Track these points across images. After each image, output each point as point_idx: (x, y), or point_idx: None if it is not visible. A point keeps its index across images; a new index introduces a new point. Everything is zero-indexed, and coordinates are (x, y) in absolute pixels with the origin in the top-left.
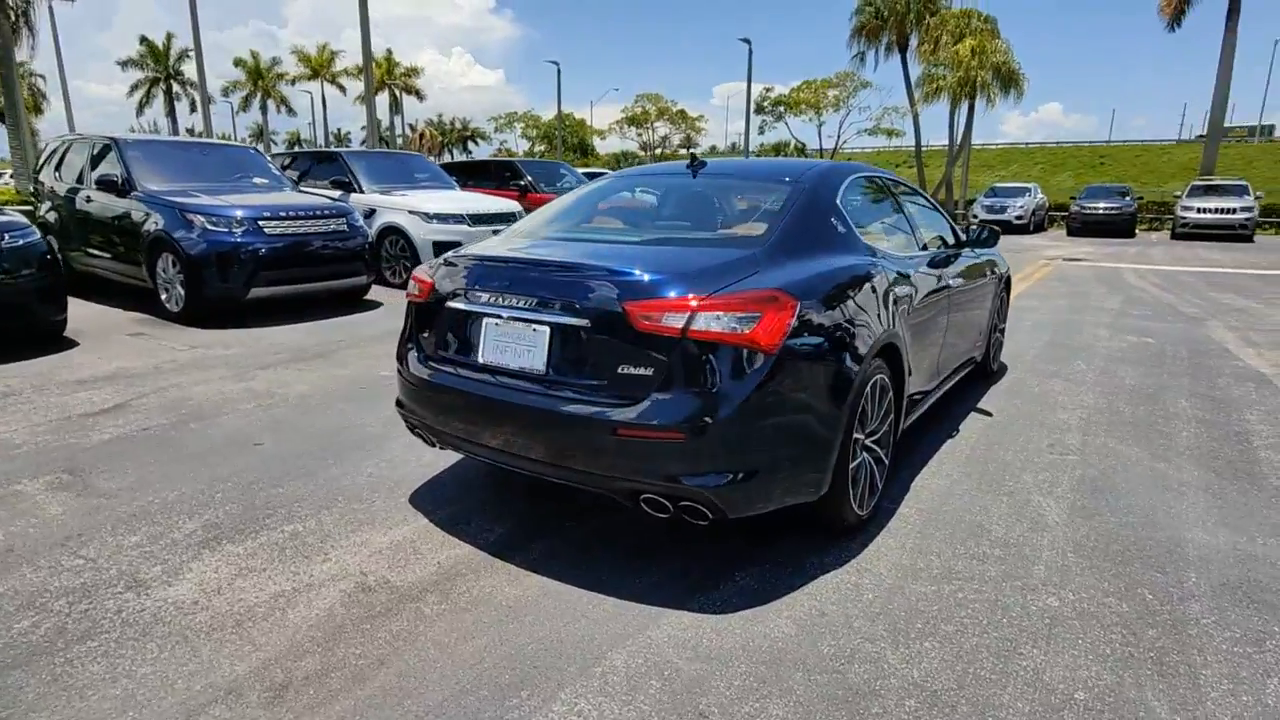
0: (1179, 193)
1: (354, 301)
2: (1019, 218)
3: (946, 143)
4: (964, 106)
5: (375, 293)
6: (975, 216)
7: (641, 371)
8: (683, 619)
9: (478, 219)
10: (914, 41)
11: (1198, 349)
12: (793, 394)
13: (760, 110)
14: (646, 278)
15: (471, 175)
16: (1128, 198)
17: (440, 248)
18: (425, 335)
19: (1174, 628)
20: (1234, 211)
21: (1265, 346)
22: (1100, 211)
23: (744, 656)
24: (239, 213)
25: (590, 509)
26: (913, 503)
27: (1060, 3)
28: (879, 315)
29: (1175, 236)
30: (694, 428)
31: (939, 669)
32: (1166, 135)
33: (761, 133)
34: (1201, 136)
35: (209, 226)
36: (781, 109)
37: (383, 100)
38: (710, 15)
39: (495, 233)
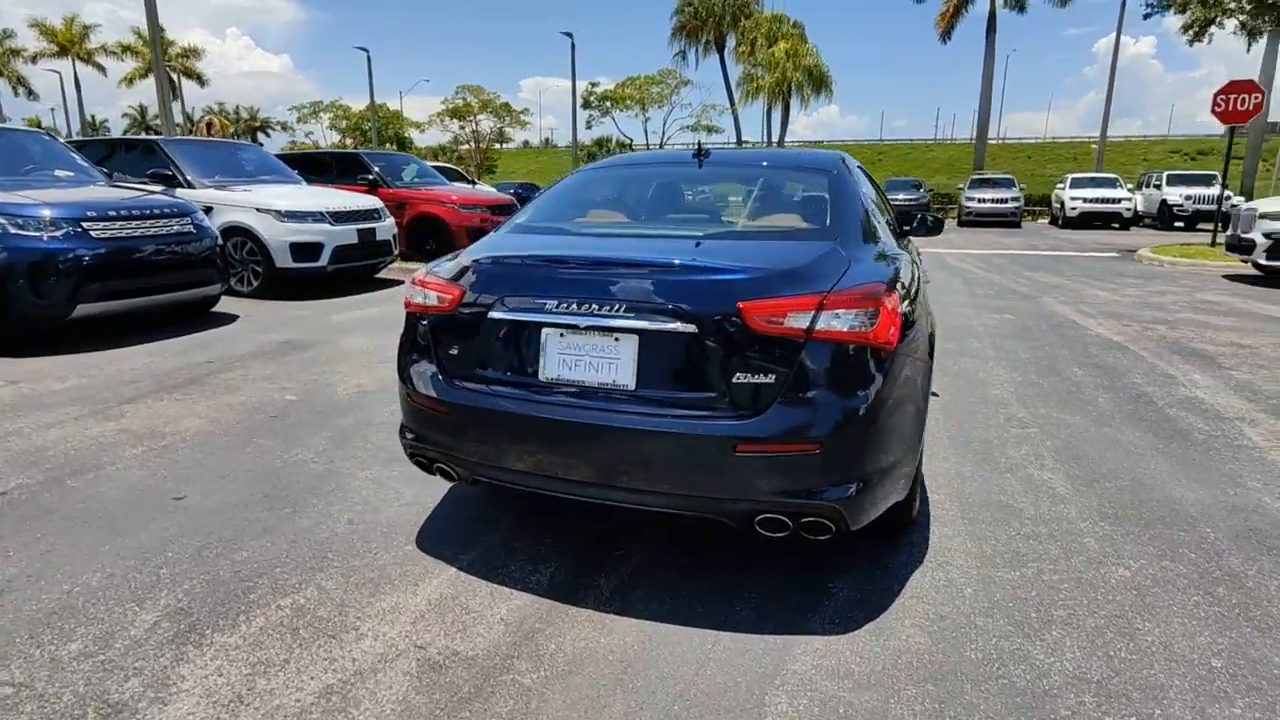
0: (962, 185)
1: (203, 315)
2: None
3: (764, 140)
4: (780, 106)
5: (225, 304)
6: None
7: (761, 380)
8: (813, 644)
9: (340, 216)
10: (731, 42)
11: (1052, 323)
12: (902, 392)
13: (587, 105)
14: (760, 275)
15: (306, 169)
16: (921, 189)
17: (301, 250)
18: (452, 351)
19: (1234, 582)
20: (1006, 201)
21: (1100, 317)
22: (900, 202)
23: (904, 678)
24: (51, 212)
25: (630, 531)
26: (937, 489)
27: (845, 13)
28: (924, 304)
29: (961, 223)
30: (829, 437)
31: (1084, 657)
32: (923, 135)
33: (589, 127)
34: (972, 138)
35: (13, 230)
36: (608, 104)
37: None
38: (510, 7)
39: (361, 232)
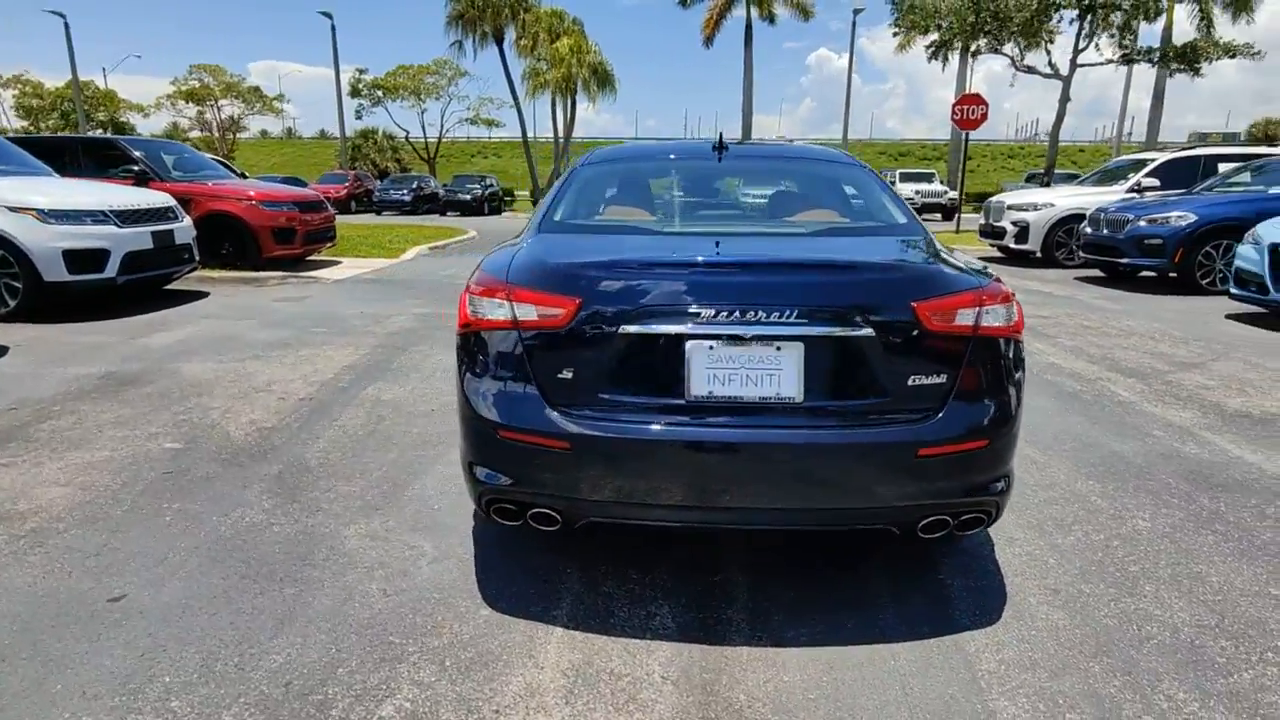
0: None
1: None
2: None
3: (551, 136)
4: (568, 102)
5: None
6: None
7: (934, 380)
8: (978, 638)
9: (128, 217)
10: (511, 35)
11: None
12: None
13: (356, 93)
14: (922, 272)
15: (41, 158)
16: None
17: (79, 260)
18: (562, 374)
19: (1222, 519)
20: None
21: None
22: None
23: (1079, 656)
24: None
25: (708, 553)
26: None
27: (612, 18)
28: None
29: None
30: (995, 431)
31: (1189, 605)
32: (672, 133)
33: (359, 117)
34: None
35: None
36: (380, 93)
37: None
38: None
39: (157, 235)
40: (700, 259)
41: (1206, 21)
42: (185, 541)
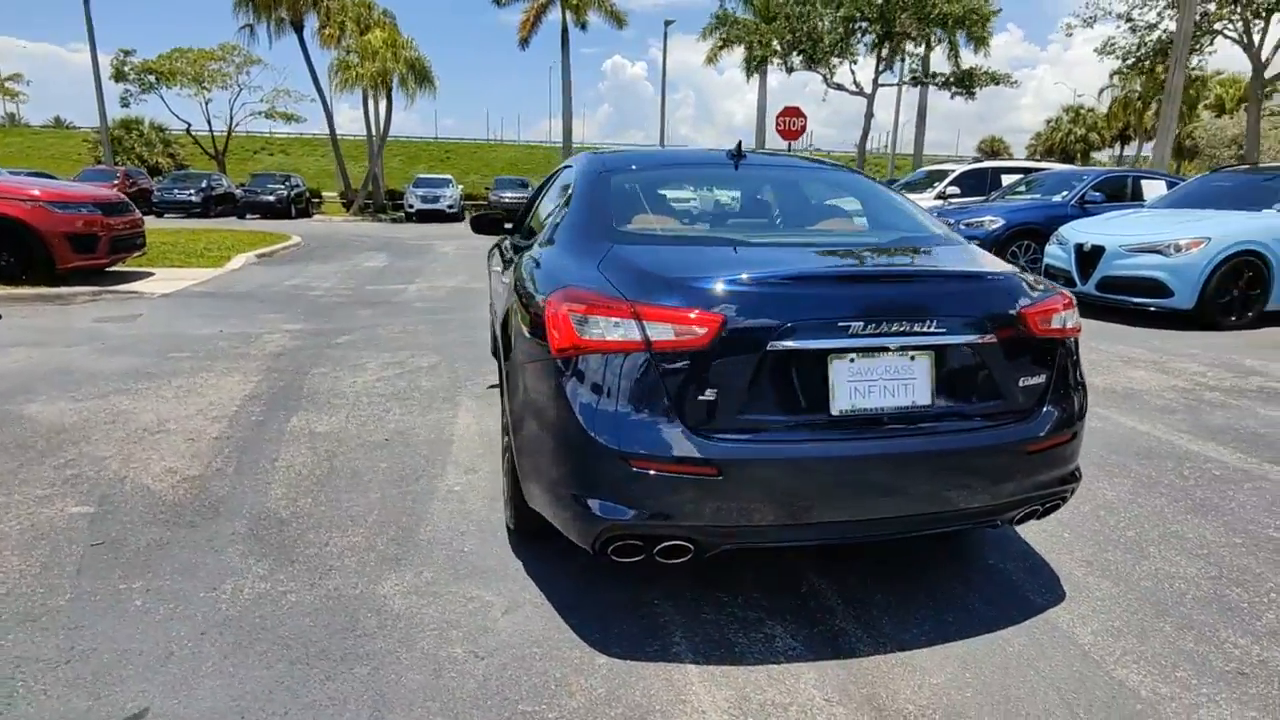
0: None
1: None
2: (450, 206)
3: (354, 133)
4: (384, 98)
5: None
6: (410, 205)
7: (1036, 380)
8: (1064, 617)
9: None
10: (314, 23)
11: None
12: None
13: (121, 78)
14: (1025, 281)
15: None
16: (528, 188)
17: None
18: (702, 395)
19: (1214, 483)
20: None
21: None
22: (509, 200)
23: (1159, 617)
24: None
25: (780, 563)
26: None
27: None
28: None
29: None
30: (1079, 423)
31: (1264, 567)
32: (473, 135)
33: (125, 105)
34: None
35: None
36: (153, 78)
37: None
38: None
39: None
40: (845, 271)
41: (955, 53)
42: (182, 628)
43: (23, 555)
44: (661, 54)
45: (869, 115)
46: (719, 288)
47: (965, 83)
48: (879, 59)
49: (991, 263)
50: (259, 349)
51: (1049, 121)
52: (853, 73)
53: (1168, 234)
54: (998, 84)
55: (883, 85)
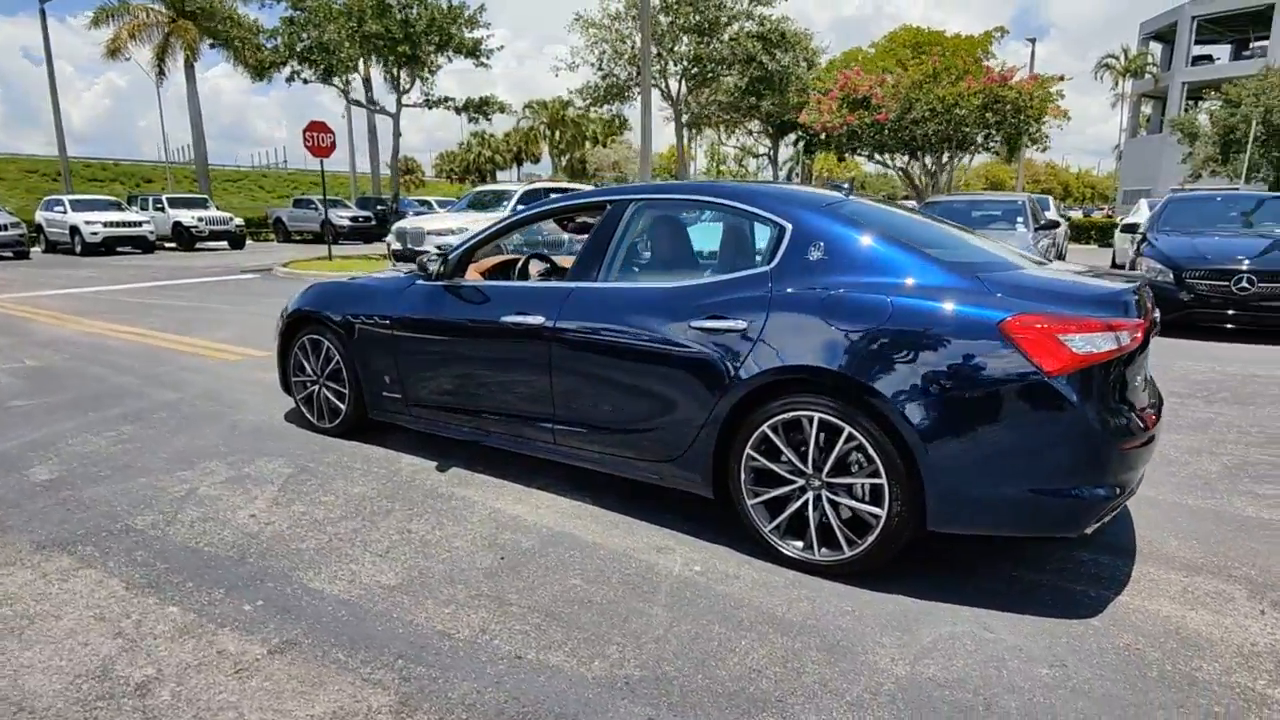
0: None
1: None
2: None
3: None
4: None
5: None
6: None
7: None
8: (1172, 590)
9: None
10: None
11: None
12: None
13: None
14: None
15: None
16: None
17: None
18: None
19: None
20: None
21: None
22: None
23: (1240, 565)
24: None
25: None
26: None
27: None
28: None
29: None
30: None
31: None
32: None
33: None
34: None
35: None
36: None
37: None
38: None
39: None
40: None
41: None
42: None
43: None
44: (46, 41)
45: (396, 134)
46: (1117, 290)
47: (481, 108)
48: (397, 78)
49: None
50: None
51: (461, 144)
52: (368, 87)
53: None
54: (503, 111)
55: (408, 105)
